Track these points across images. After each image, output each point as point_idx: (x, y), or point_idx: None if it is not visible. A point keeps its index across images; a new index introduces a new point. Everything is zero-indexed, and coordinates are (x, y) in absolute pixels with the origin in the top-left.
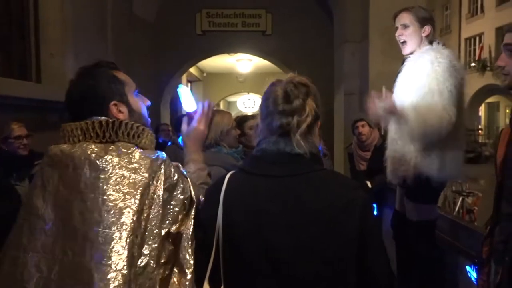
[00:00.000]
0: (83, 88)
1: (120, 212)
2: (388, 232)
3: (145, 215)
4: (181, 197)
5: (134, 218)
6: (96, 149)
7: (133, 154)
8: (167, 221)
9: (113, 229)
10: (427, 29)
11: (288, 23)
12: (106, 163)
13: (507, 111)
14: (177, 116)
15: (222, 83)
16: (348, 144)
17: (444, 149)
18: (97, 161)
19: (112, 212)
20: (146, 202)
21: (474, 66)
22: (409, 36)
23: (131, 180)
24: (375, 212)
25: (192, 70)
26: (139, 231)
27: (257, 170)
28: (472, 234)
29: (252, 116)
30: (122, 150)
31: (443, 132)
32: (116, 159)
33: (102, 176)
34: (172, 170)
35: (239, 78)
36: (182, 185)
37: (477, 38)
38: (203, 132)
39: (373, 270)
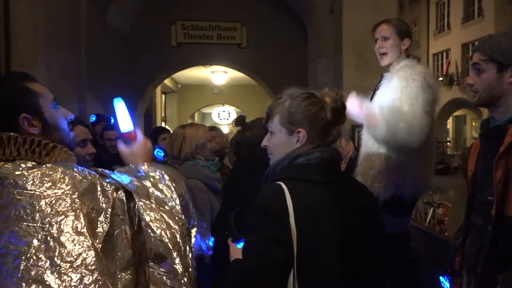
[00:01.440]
0: None
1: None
2: None
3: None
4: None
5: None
6: None
7: (30, 174)
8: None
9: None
10: (406, 42)
11: (263, 36)
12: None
13: (474, 123)
14: (152, 128)
15: (196, 95)
16: None
17: (417, 163)
18: None
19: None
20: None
21: (442, 81)
22: (389, 48)
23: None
24: None
25: (167, 81)
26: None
27: (320, 178)
28: (445, 244)
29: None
30: (20, 168)
31: (412, 146)
32: (11, 179)
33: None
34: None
35: (214, 90)
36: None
37: (444, 54)
38: (150, 145)
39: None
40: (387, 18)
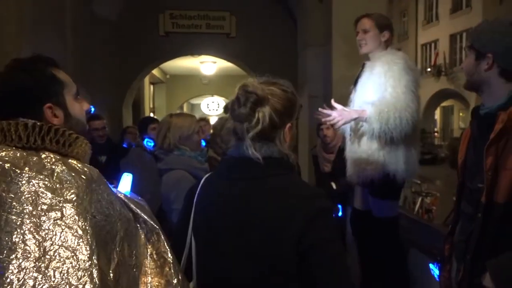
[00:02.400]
0: (13, 84)
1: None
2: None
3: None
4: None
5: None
6: (12, 156)
7: (56, 168)
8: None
9: (11, 256)
10: (386, 34)
11: (252, 26)
12: (21, 176)
13: (461, 114)
14: (141, 118)
15: (185, 85)
16: (313, 146)
17: (407, 146)
18: (11, 171)
19: (14, 235)
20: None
21: (430, 71)
22: (368, 39)
23: (45, 201)
24: (340, 214)
25: (155, 72)
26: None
27: (223, 172)
28: (434, 232)
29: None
30: (44, 161)
31: (404, 129)
32: (33, 173)
33: (12, 189)
34: (101, 191)
35: (203, 80)
36: (112, 212)
37: (433, 44)
38: None
39: None
40: (368, 13)
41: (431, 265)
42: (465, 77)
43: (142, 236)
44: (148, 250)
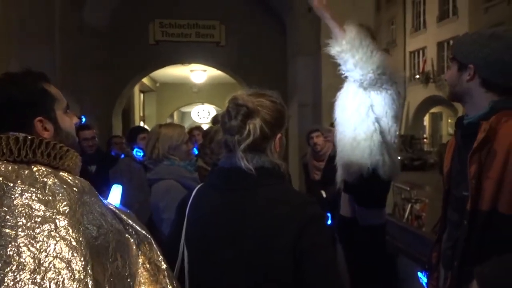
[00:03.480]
0: (4, 97)
1: (18, 249)
2: None
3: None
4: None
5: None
6: (4, 169)
7: (48, 181)
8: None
9: (6, 269)
10: None
11: (242, 35)
12: (13, 189)
13: (450, 120)
14: (130, 127)
15: (176, 94)
16: (303, 154)
17: (387, 149)
18: (4, 185)
19: (9, 248)
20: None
21: (418, 78)
22: None
23: (39, 213)
24: (329, 222)
25: (145, 80)
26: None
27: (215, 183)
28: (423, 240)
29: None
30: (36, 174)
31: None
32: (25, 186)
33: (5, 203)
34: (93, 203)
35: (193, 89)
36: (104, 224)
37: (421, 52)
38: None
39: None
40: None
41: (419, 274)
42: (448, 88)
43: (134, 247)
44: (140, 260)
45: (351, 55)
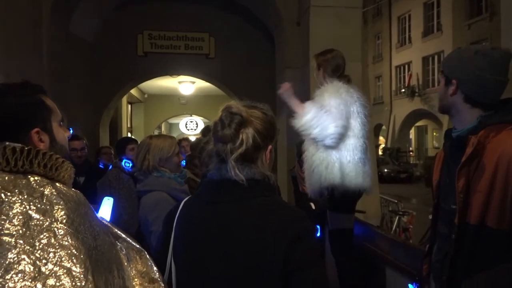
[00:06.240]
0: (1, 108)
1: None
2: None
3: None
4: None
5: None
6: (1, 179)
7: (45, 191)
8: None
9: (7, 277)
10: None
11: (231, 47)
12: (12, 199)
13: (435, 134)
14: (117, 138)
15: (164, 105)
16: (292, 167)
17: (344, 165)
18: (2, 194)
19: (9, 257)
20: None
21: (404, 92)
22: (316, 76)
23: (38, 222)
24: (318, 234)
25: (133, 91)
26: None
27: (203, 195)
28: (413, 252)
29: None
30: (33, 184)
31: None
32: (23, 196)
33: (4, 212)
34: (88, 215)
35: (181, 100)
36: (99, 235)
37: (406, 66)
38: None
39: None
40: (316, 54)
41: (410, 286)
42: (438, 101)
43: (125, 262)
44: (133, 272)
45: (309, 132)
